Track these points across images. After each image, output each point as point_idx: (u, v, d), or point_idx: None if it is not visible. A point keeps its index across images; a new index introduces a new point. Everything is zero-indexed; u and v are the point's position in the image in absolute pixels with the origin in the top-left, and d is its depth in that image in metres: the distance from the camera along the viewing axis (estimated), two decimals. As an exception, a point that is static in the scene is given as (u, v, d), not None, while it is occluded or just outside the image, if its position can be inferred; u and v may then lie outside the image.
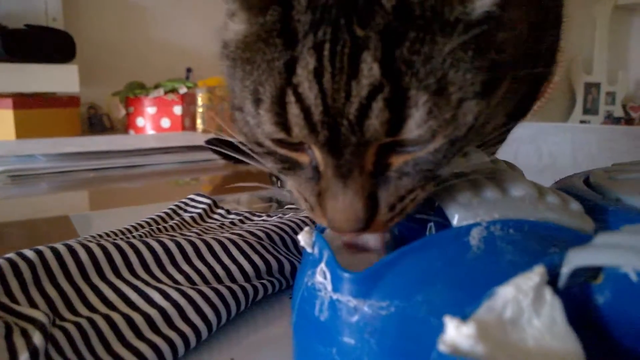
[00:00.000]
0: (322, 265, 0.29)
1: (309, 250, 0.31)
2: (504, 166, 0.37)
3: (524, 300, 0.21)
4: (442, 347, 0.20)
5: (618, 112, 3.00)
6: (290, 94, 0.24)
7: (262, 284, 0.41)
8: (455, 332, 0.20)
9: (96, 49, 2.08)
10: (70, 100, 1.89)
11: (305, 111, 0.24)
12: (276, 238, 0.46)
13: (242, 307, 0.39)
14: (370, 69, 0.22)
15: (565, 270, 0.23)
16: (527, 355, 0.20)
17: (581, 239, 0.29)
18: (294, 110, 0.24)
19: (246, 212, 0.60)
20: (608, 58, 2.96)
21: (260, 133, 0.27)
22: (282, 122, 0.24)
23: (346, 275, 0.27)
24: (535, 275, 0.22)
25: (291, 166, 0.28)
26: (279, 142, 0.27)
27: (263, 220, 0.57)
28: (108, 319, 0.33)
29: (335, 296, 0.27)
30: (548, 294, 0.22)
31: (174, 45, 2.23)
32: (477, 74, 0.24)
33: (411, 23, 0.23)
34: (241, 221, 0.57)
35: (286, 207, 0.66)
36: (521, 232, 0.28)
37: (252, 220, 0.58)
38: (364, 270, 0.27)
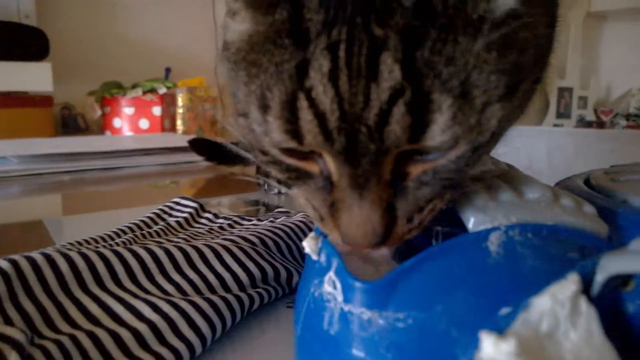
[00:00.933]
0: (331, 274, 0.27)
1: (314, 257, 0.29)
2: (506, 167, 0.36)
3: (560, 312, 0.20)
4: (481, 367, 0.18)
5: (590, 116, 3.08)
6: (302, 98, 0.22)
7: (258, 292, 0.39)
8: (494, 349, 0.18)
9: (71, 47, 2.02)
10: (44, 100, 1.82)
11: (320, 117, 0.22)
12: (270, 243, 0.44)
13: (238, 318, 0.36)
14: (390, 71, 0.20)
15: (600, 278, 0.21)
16: (568, 373, 0.19)
17: (598, 243, 0.28)
18: (306, 117, 0.22)
19: (235, 216, 0.58)
20: (581, 64, 3.03)
21: (268, 142, 0.24)
22: (293, 129, 0.22)
23: (359, 284, 0.25)
24: (571, 284, 0.20)
25: (299, 176, 0.26)
26: (287, 150, 0.25)
27: (254, 224, 0.54)
28: (92, 336, 0.30)
29: (346, 307, 0.25)
30: (584, 304, 0.20)
31: (153, 44, 2.18)
32: (500, 76, 0.22)
33: (432, 22, 0.21)
34: (230, 225, 0.54)
35: (276, 210, 0.64)
36: (540, 236, 0.27)
37: (241, 224, 0.55)
38: (378, 279, 0.25)
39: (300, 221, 0.50)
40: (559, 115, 3.08)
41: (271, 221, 0.54)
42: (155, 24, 2.20)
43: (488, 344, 0.18)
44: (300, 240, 0.48)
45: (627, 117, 2.86)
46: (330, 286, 0.27)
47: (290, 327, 0.40)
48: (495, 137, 0.24)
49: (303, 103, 0.22)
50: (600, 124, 3.02)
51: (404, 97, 0.20)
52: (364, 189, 0.23)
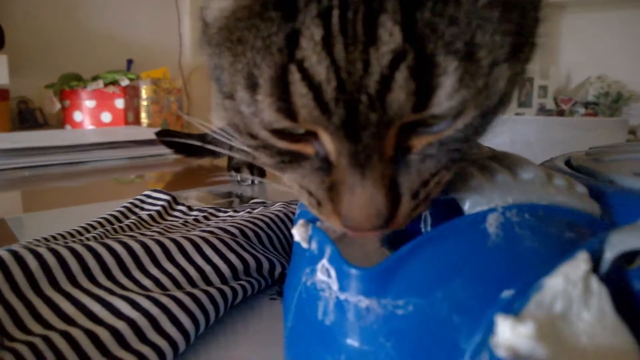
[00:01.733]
0: (324, 262, 0.26)
1: (304, 245, 0.28)
2: (489, 150, 0.36)
3: (573, 292, 0.19)
4: (501, 352, 0.17)
5: (550, 104, 3.16)
6: (294, 71, 0.20)
7: (241, 285, 0.37)
8: (511, 333, 0.17)
9: (27, 38, 1.92)
10: (-2, 94, 1.73)
11: (315, 89, 0.20)
12: (250, 234, 0.42)
13: (221, 312, 0.35)
14: (390, 34, 0.19)
15: (610, 255, 0.21)
16: (583, 355, 0.18)
17: (592, 223, 0.28)
18: (300, 90, 0.20)
19: (210, 207, 0.56)
20: (540, 53, 3.10)
21: (258, 123, 0.23)
22: (286, 107, 0.21)
23: (355, 271, 0.24)
24: (582, 263, 0.20)
25: (292, 159, 0.24)
26: (279, 132, 0.23)
27: (230, 216, 0.52)
28: (67, 337, 0.28)
29: (342, 296, 0.24)
30: (595, 283, 0.20)
31: (113, 34, 2.09)
32: (505, 36, 0.21)
33: None
34: (206, 218, 0.52)
35: (252, 201, 0.62)
36: (536, 217, 0.26)
37: (217, 216, 0.53)
38: (376, 266, 0.24)
39: (280, 211, 0.49)
40: (520, 104, 3.16)
41: (248, 212, 0.53)
42: (115, 14, 2.12)
43: (505, 327, 0.17)
44: (281, 230, 0.46)
45: (586, 105, 2.95)
46: (324, 275, 0.26)
47: (274, 319, 0.39)
48: (503, 101, 0.23)
49: (295, 76, 0.20)
50: (560, 112, 3.11)
51: (406, 60, 0.19)
52: (365, 167, 0.22)
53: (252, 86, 0.21)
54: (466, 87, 0.20)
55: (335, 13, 0.20)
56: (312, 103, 0.20)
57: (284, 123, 0.22)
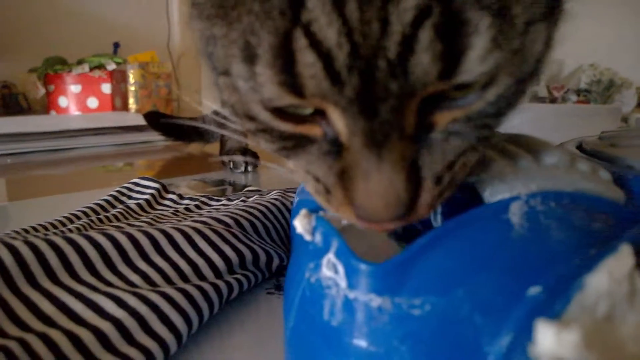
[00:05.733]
0: (331, 256, 0.23)
1: (308, 237, 0.25)
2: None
3: (618, 292, 0.17)
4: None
5: (542, 92, 3.16)
6: (300, 36, 0.17)
7: (236, 279, 0.34)
8: (555, 342, 0.15)
9: (8, 21, 1.85)
10: (-21, 79, 1.67)
11: (325, 56, 0.17)
12: (246, 224, 0.40)
13: (216, 309, 0.32)
14: None
15: (655, 248, 0.19)
16: (633, 363, 0.16)
17: (618, 211, 0.26)
18: (307, 59, 0.17)
19: (202, 196, 0.53)
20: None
21: (257, 101, 0.20)
22: (290, 80, 0.18)
23: (365, 267, 0.22)
24: (627, 258, 0.17)
25: (297, 143, 0.22)
26: (281, 113, 0.21)
27: (224, 205, 0.50)
28: (45, 339, 0.25)
29: (351, 294, 0.22)
30: (639, 280, 0.18)
31: (99, 17, 2.03)
32: None
33: None
34: (197, 207, 0.50)
35: (246, 189, 0.59)
36: (562, 205, 0.24)
37: (210, 205, 0.51)
38: (389, 260, 0.21)
39: (276, 199, 0.46)
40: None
41: (243, 201, 0.50)
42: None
43: (547, 335, 0.15)
44: (278, 219, 0.44)
45: (578, 92, 2.95)
46: (330, 270, 0.23)
47: (273, 315, 0.36)
48: (539, 67, 0.21)
49: (301, 42, 0.17)
50: (553, 100, 3.10)
51: (431, 17, 0.17)
52: (382, 147, 0.19)
53: (250, 57, 0.19)
54: (500, 48, 0.18)
55: None
56: (322, 73, 0.18)
57: (287, 99, 0.19)
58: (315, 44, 0.17)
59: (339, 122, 0.20)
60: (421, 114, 0.19)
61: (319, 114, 0.20)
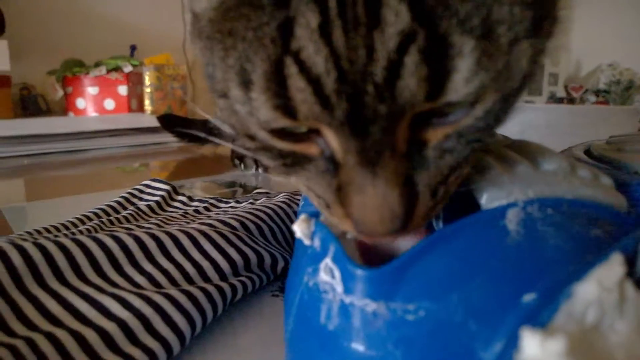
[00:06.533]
0: (328, 261, 0.24)
1: (307, 242, 0.26)
2: (502, 138, 0.33)
3: (607, 300, 0.17)
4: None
5: (560, 92, 3.12)
6: (290, 63, 0.18)
7: (241, 281, 0.35)
8: (539, 350, 0.15)
9: (28, 23, 1.89)
10: (0, 80, 1.70)
11: (315, 82, 0.18)
12: (252, 227, 0.40)
13: (219, 311, 0.33)
14: (396, 14, 0.17)
15: (647, 258, 0.19)
16: (621, 372, 0.16)
17: (619, 218, 0.26)
18: (298, 84, 0.18)
19: (211, 198, 0.54)
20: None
21: (254, 123, 0.21)
22: (283, 103, 0.19)
23: (361, 272, 0.22)
24: (617, 267, 0.17)
25: (296, 161, 0.22)
26: (278, 132, 0.21)
27: (232, 207, 0.50)
28: (52, 339, 0.26)
29: (347, 299, 0.22)
30: (630, 289, 0.18)
31: (116, 20, 2.06)
32: (524, 9, 0.19)
33: None
34: (206, 209, 0.50)
35: (255, 191, 0.60)
36: (560, 212, 0.24)
37: (218, 207, 0.51)
38: (384, 266, 0.22)
39: (283, 202, 0.46)
40: (530, 92, 3.12)
41: (251, 203, 0.51)
42: (118, -1, 2.09)
43: (532, 343, 0.15)
44: (284, 222, 0.44)
45: (597, 92, 2.90)
46: (328, 275, 0.24)
47: (277, 317, 0.37)
48: (525, 82, 0.21)
49: (292, 69, 0.18)
50: (571, 100, 3.06)
51: (416, 42, 0.17)
52: (376, 164, 0.19)
53: (245, 83, 0.19)
54: (485, 69, 0.18)
55: None
56: (312, 98, 0.18)
57: (282, 122, 0.20)
58: (305, 70, 0.18)
59: (333, 141, 0.20)
60: (413, 131, 0.20)
61: (315, 132, 0.21)
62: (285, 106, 0.19)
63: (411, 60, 0.17)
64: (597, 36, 2.86)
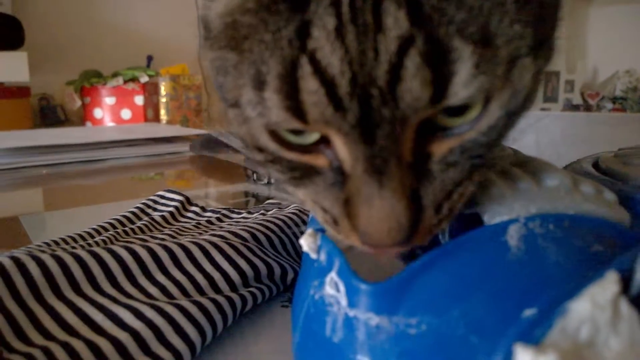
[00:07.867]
0: (333, 275, 0.24)
1: (313, 256, 0.27)
2: (511, 151, 0.34)
3: (600, 317, 0.17)
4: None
5: (577, 99, 3.09)
6: (305, 63, 0.19)
7: (251, 292, 0.36)
8: (533, 366, 0.15)
9: (47, 35, 1.94)
10: (20, 91, 1.74)
11: (328, 83, 0.19)
12: (262, 238, 0.41)
13: (230, 321, 0.33)
14: (395, 20, 0.18)
15: (642, 275, 0.19)
16: (615, 389, 0.16)
17: (623, 234, 0.26)
18: (311, 85, 0.19)
19: (223, 208, 0.55)
20: (567, 47, 3.04)
21: (264, 126, 0.21)
22: (294, 105, 0.19)
23: (365, 286, 0.22)
24: (611, 285, 0.18)
25: (304, 174, 0.23)
26: (288, 144, 0.22)
27: (244, 217, 0.51)
28: (67, 348, 0.27)
29: (351, 312, 0.23)
30: (625, 306, 0.18)
31: (133, 31, 2.11)
32: (525, 27, 0.20)
33: None
34: (219, 219, 0.51)
35: (267, 202, 0.61)
36: (562, 228, 0.24)
37: (230, 217, 0.52)
38: (386, 281, 0.22)
39: (294, 213, 0.47)
40: (546, 99, 3.09)
41: (262, 214, 0.51)
42: (135, 10, 2.13)
43: (525, 358, 0.16)
44: (295, 234, 0.45)
45: (614, 100, 2.87)
46: (333, 288, 0.24)
47: (287, 328, 0.37)
48: (528, 100, 0.22)
49: (306, 69, 0.19)
50: (587, 107, 3.03)
51: (415, 46, 0.18)
52: (383, 173, 0.20)
53: (259, 84, 0.20)
54: (484, 73, 0.19)
55: (345, 1, 0.18)
56: (325, 99, 0.19)
57: (292, 123, 0.20)
58: (320, 71, 0.19)
59: (341, 148, 0.21)
60: (418, 144, 0.21)
61: (323, 143, 0.21)
62: (296, 107, 0.19)
63: (411, 62, 0.18)
64: (614, 43, 2.83)
